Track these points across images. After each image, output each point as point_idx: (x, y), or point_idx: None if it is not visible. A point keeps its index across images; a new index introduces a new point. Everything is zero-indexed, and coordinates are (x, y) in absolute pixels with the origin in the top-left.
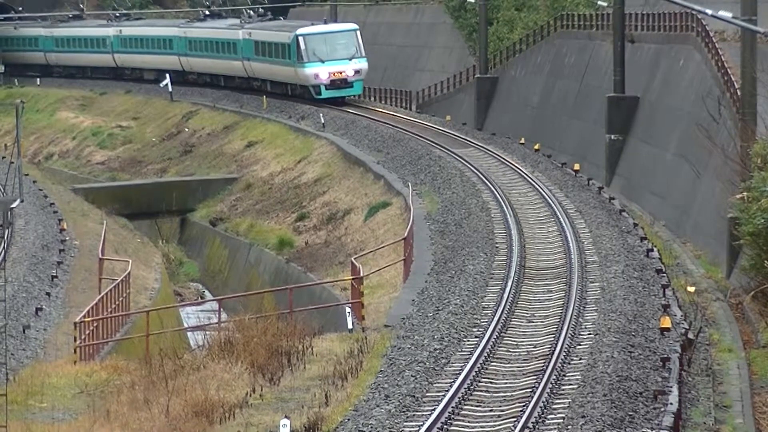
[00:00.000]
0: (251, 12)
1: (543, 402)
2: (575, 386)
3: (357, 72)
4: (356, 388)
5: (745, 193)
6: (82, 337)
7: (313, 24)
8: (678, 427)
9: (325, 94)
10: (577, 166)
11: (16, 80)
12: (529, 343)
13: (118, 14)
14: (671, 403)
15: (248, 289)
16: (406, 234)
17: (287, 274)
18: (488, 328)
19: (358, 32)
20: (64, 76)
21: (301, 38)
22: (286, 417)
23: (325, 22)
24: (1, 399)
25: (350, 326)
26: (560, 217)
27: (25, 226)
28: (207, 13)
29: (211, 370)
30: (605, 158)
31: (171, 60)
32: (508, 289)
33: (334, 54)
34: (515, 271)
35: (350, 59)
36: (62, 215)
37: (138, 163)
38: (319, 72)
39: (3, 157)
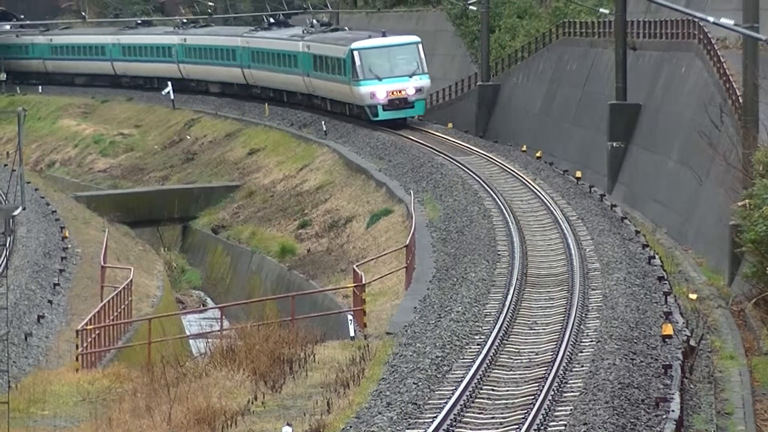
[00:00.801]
0: (314, 21)
1: (545, 409)
2: (577, 393)
3: (418, 90)
4: (358, 396)
5: (747, 201)
6: (84, 344)
7: (370, 36)
8: None
9: (383, 115)
10: (578, 174)
11: (18, 88)
12: (531, 350)
13: (185, 20)
14: (673, 410)
15: (250, 297)
16: (408, 241)
17: (289, 281)
18: (490, 336)
19: (420, 45)
20: (131, 87)
21: (356, 53)
22: (288, 424)
23: (384, 35)
24: (3, 406)
25: (352, 333)
26: (562, 224)
27: (27, 233)
28: (272, 20)
29: (213, 378)
30: (607, 165)
31: (234, 72)
32: (510, 296)
33: (392, 70)
34: (517, 279)
35: (411, 76)
36: (64, 223)
37: (140, 171)
38: (376, 91)
39: (5, 165)
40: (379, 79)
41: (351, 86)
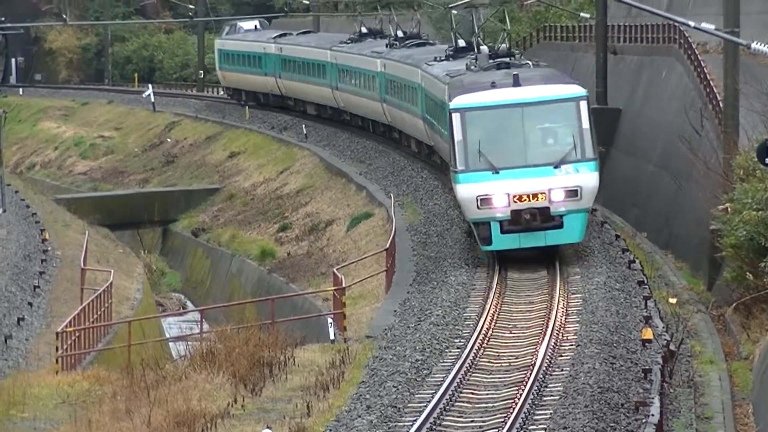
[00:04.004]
0: (482, 45)
1: (525, 413)
2: (557, 397)
3: (571, 194)
4: (338, 399)
5: (727, 205)
6: (64, 347)
7: (494, 85)
8: None
9: (500, 242)
10: None
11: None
12: (511, 354)
13: (399, 32)
14: (653, 415)
15: (230, 300)
16: (388, 245)
17: (269, 284)
18: (470, 339)
19: (585, 104)
20: (356, 127)
21: (456, 116)
22: (267, 427)
23: (516, 81)
24: None
25: (332, 337)
26: None
27: (7, 236)
28: (462, 42)
29: (192, 381)
30: None
31: (418, 125)
32: (490, 300)
33: (525, 153)
34: (497, 282)
35: (558, 165)
36: (44, 225)
37: (120, 174)
38: (490, 193)
39: None
40: (496, 170)
41: (452, 179)
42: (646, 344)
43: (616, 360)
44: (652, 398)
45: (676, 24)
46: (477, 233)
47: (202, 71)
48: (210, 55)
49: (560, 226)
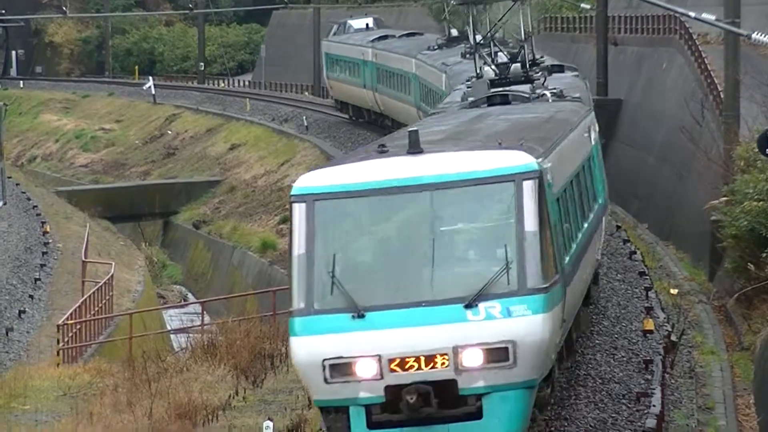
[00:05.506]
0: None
1: None
2: (558, 388)
3: (499, 356)
4: None
5: (727, 196)
6: (65, 339)
7: (383, 150)
8: (661, 428)
9: None
10: None
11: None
12: None
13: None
14: (654, 405)
15: (231, 292)
16: None
17: (270, 276)
18: None
19: (532, 186)
20: None
21: (298, 207)
22: (269, 419)
23: (413, 145)
24: None
25: None
26: None
27: (8, 228)
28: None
29: (194, 373)
30: None
31: None
32: None
33: (408, 283)
34: None
35: (474, 303)
36: (45, 218)
37: (121, 166)
38: (348, 355)
39: None
40: (359, 313)
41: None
42: (648, 335)
43: (618, 351)
44: (654, 389)
45: (677, 15)
46: (326, 426)
47: (202, 63)
48: (210, 46)
49: (476, 414)
